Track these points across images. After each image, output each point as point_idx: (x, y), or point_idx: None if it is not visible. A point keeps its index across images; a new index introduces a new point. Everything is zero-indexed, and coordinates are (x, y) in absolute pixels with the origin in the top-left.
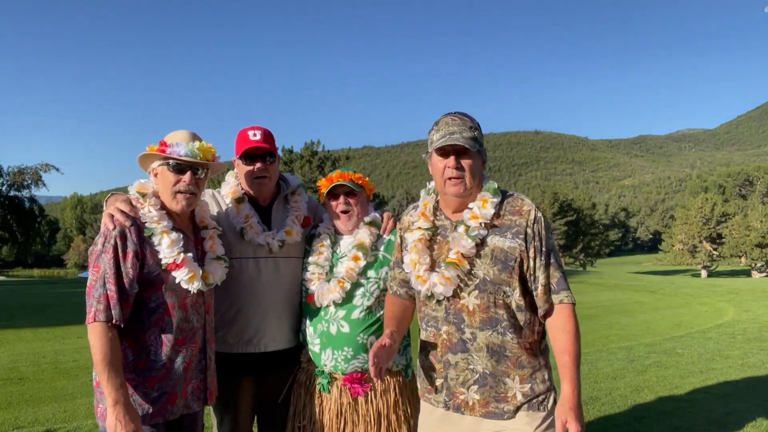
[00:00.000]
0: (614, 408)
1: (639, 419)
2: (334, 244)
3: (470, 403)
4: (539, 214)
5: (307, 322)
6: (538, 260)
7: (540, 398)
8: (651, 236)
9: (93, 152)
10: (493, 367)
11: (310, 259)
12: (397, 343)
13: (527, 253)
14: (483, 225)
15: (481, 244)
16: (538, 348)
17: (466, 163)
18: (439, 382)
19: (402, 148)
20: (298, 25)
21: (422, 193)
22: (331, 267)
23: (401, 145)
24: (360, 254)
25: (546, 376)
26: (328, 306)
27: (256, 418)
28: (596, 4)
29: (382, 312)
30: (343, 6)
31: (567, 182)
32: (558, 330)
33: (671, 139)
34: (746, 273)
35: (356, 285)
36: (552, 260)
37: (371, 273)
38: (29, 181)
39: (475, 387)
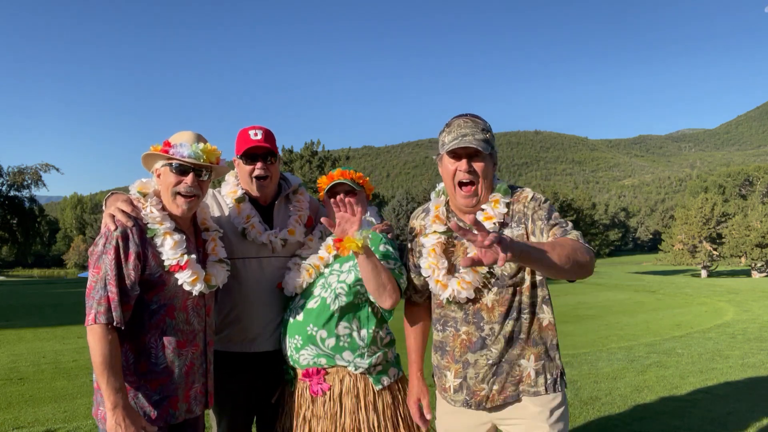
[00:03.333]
0: (614, 408)
1: (639, 419)
2: (323, 239)
3: (490, 396)
4: (536, 195)
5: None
6: (538, 226)
7: (553, 378)
8: (651, 236)
9: (93, 152)
10: (508, 353)
11: (297, 251)
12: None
13: (533, 226)
14: (496, 224)
15: None
16: (549, 323)
17: (478, 166)
18: (457, 382)
19: (402, 148)
20: (299, 26)
21: (432, 195)
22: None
23: (401, 145)
24: (333, 245)
25: (557, 356)
26: (296, 295)
27: (255, 418)
28: (596, 4)
29: (338, 306)
30: (343, 6)
31: (567, 182)
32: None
33: (671, 139)
34: (746, 273)
35: (318, 276)
36: (555, 221)
37: (336, 265)
38: (29, 181)
39: (494, 378)
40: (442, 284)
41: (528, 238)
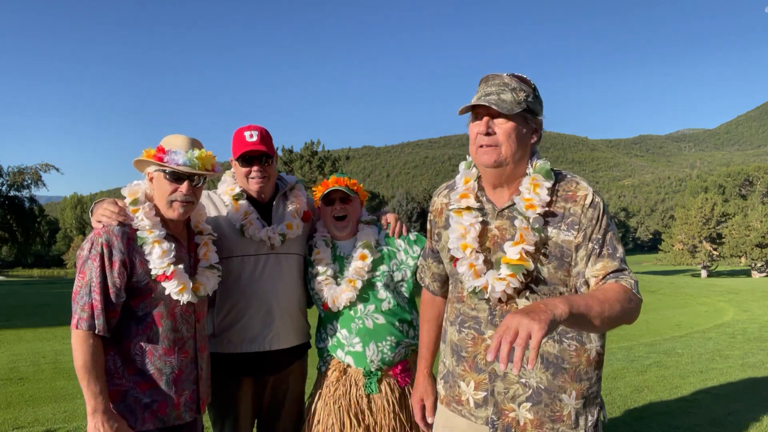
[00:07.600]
0: (614, 408)
1: (639, 419)
2: (333, 248)
3: (522, 423)
4: (596, 199)
5: (337, 326)
6: (588, 248)
7: (594, 419)
8: (651, 236)
9: (93, 152)
10: (549, 382)
11: (310, 269)
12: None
13: (582, 242)
14: (540, 215)
15: None
16: (597, 355)
17: (500, 128)
18: (480, 395)
19: (402, 148)
20: (299, 25)
21: (461, 166)
22: (336, 271)
23: (401, 145)
24: (366, 252)
25: (599, 393)
26: (354, 305)
27: (257, 421)
28: (596, 4)
29: (407, 298)
30: (343, 6)
31: None
32: (602, 288)
33: (671, 139)
34: (746, 273)
35: (372, 282)
36: (608, 250)
37: (383, 267)
38: (29, 181)
39: (528, 405)
40: (475, 273)
41: (574, 250)
